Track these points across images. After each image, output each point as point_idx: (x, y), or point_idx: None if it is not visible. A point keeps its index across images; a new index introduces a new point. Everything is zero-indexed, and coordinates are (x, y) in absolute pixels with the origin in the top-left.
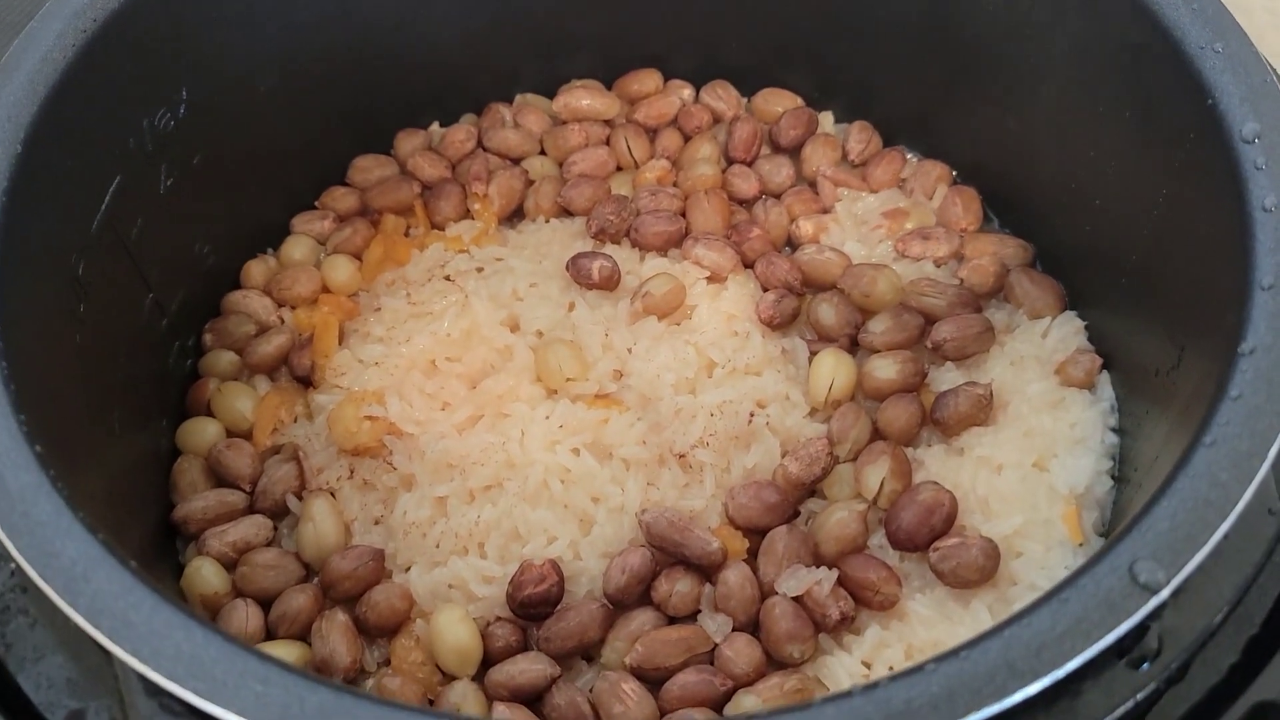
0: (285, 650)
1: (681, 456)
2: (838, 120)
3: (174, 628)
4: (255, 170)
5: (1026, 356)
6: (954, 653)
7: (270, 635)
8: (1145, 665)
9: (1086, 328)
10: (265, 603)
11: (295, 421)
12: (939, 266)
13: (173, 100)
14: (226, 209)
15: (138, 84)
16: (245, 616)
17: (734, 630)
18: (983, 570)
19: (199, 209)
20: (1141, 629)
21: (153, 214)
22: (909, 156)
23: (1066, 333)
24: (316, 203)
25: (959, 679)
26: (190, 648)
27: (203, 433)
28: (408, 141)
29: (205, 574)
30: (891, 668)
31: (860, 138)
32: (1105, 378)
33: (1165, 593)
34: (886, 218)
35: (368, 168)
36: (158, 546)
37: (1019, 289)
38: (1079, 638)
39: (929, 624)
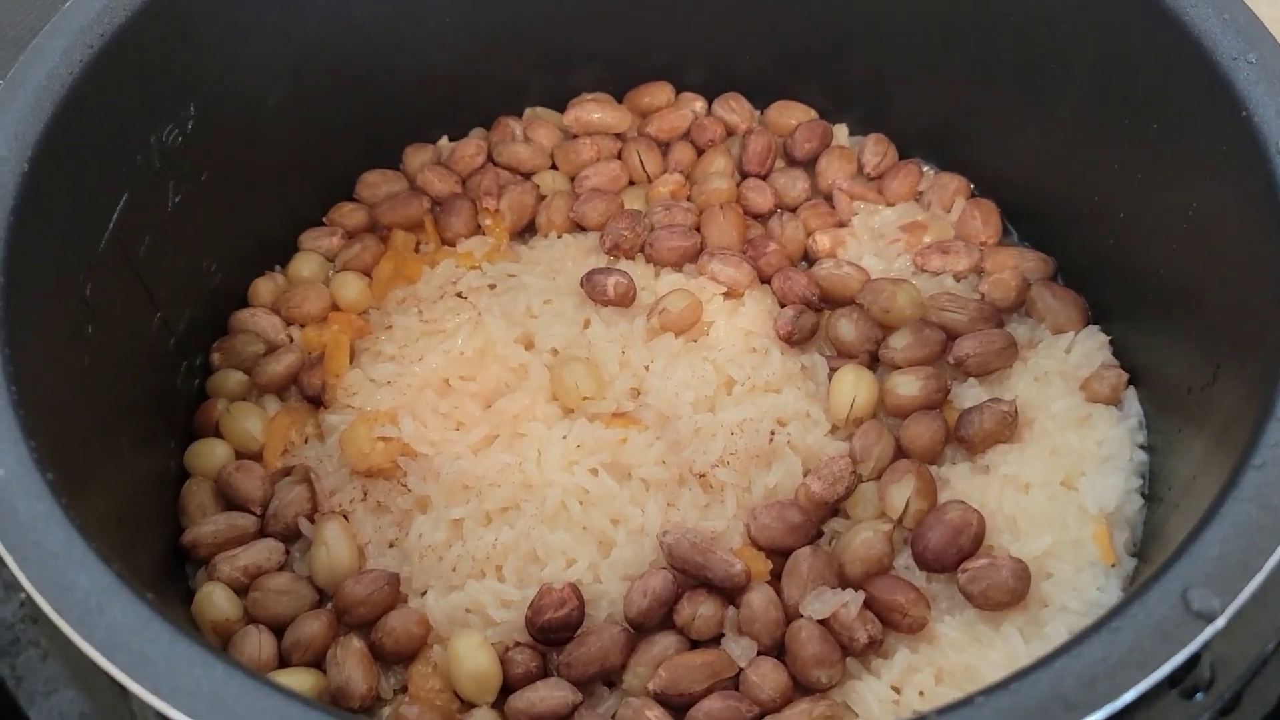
0: (299, 678)
1: (702, 476)
2: (852, 133)
3: (193, 663)
4: (263, 186)
5: (1050, 372)
6: (1002, 685)
7: (284, 662)
8: (1198, 695)
9: (1111, 343)
10: (278, 629)
11: (306, 442)
12: (959, 281)
13: (180, 116)
14: (234, 226)
15: (145, 100)
16: (258, 644)
17: (759, 654)
18: (1013, 592)
19: (206, 226)
20: (1194, 658)
21: (160, 232)
22: (925, 169)
23: (1090, 347)
24: (325, 219)
25: (1010, 713)
26: (210, 684)
27: (211, 454)
28: (416, 156)
29: (216, 600)
30: (921, 693)
31: (876, 150)
32: (1132, 394)
33: (1221, 621)
34: (904, 231)
35: (376, 183)
36: (167, 571)
37: (1041, 303)
38: (1133, 668)
39: (959, 647)
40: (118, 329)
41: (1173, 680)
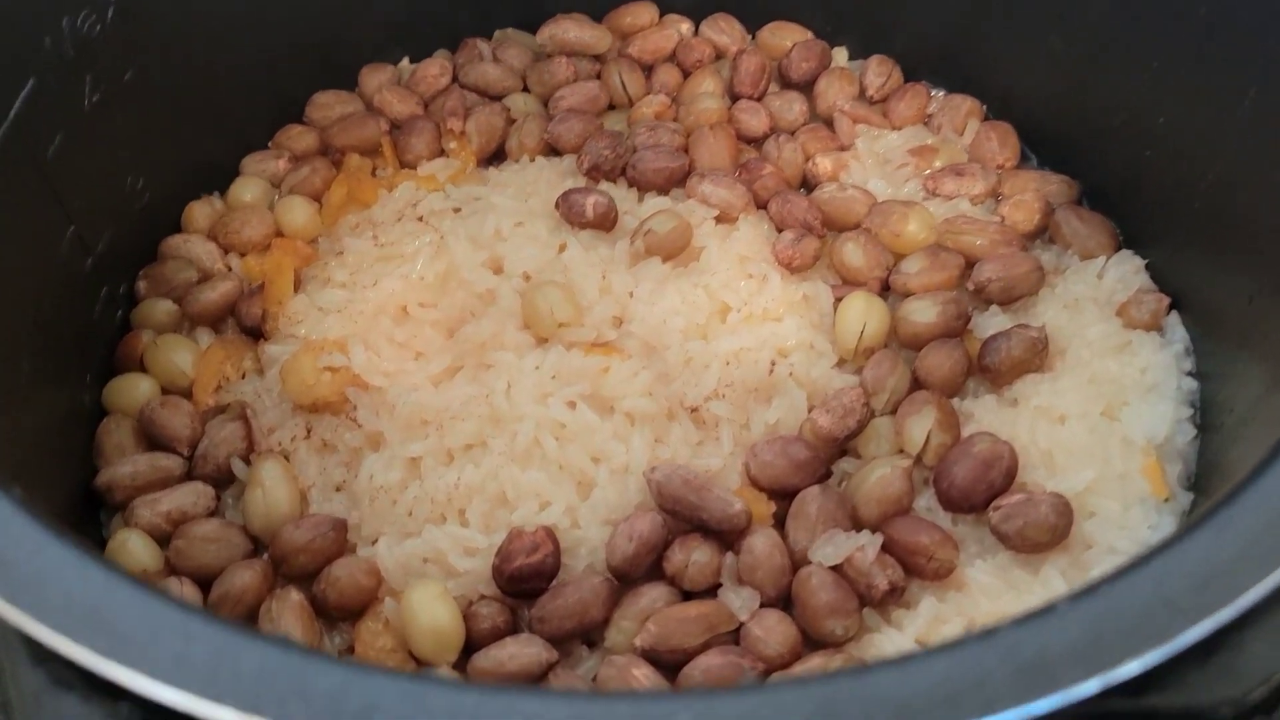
0: None
1: (694, 410)
2: (852, 56)
3: (67, 567)
4: (199, 100)
5: (1082, 298)
6: (1090, 589)
7: None
8: None
9: (1147, 267)
10: (204, 582)
11: (243, 378)
12: (975, 206)
13: (98, 1)
14: (165, 141)
15: None
16: (180, 597)
17: (762, 606)
18: (1054, 530)
19: (132, 136)
20: None
21: (74, 132)
22: (934, 92)
23: (1125, 272)
24: (270, 142)
25: (1105, 620)
26: (88, 593)
27: (134, 390)
28: (374, 76)
29: (133, 548)
30: None
31: (879, 71)
32: (1175, 319)
33: None
34: (913, 155)
35: (328, 104)
36: (76, 517)
37: (1066, 228)
38: (1253, 566)
39: (993, 594)
40: (19, 238)
41: None
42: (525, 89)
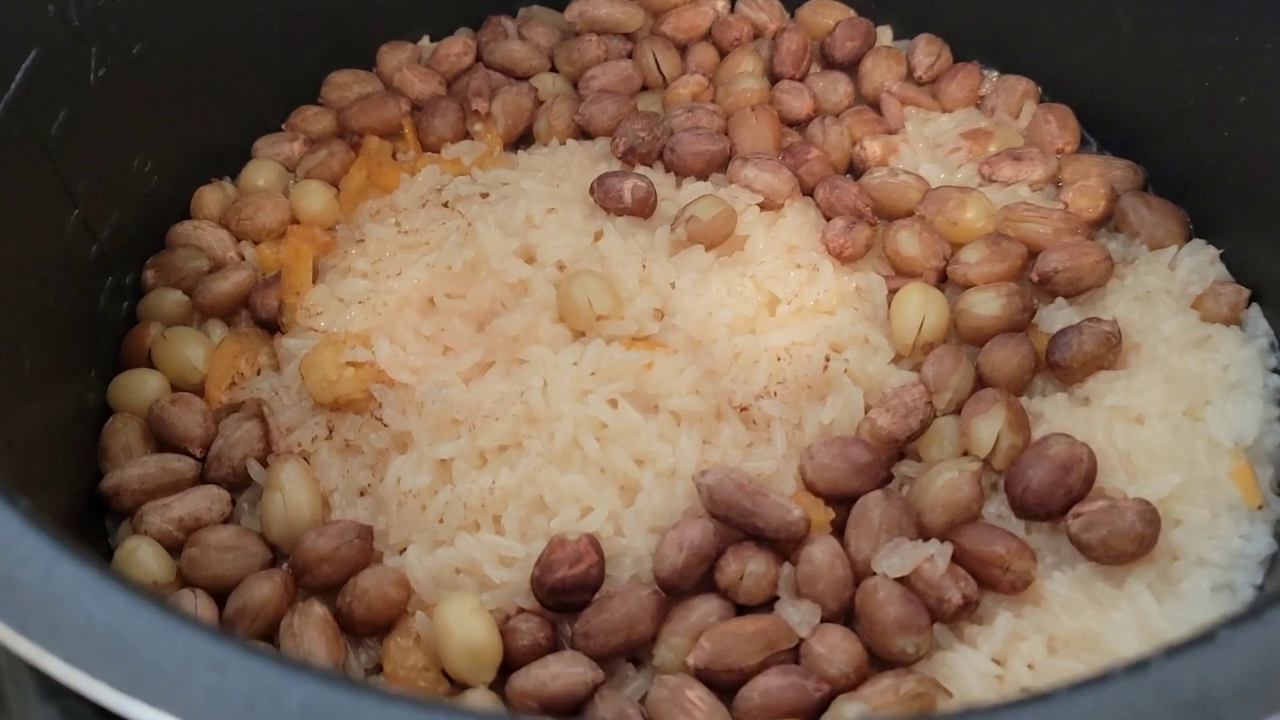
0: None
1: (743, 409)
2: (897, 36)
3: (84, 591)
4: (211, 79)
5: (1155, 290)
6: (1254, 613)
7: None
8: None
9: (1222, 257)
10: (220, 594)
11: (259, 374)
12: (1034, 192)
13: None
14: (175, 121)
15: None
16: (194, 611)
17: (823, 621)
18: (1141, 539)
19: (141, 114)
20: None
21: (80, 109)
22: (985, 73)
23: (1200, 262)
24: (284, 124)
25: (1274, 650)
26: (107, 618)
27: (142, 386)
28: (393, 55)
29: (142, 558)
30: (1031, 666)
31: (929, 50)
32: (1256, 312)
33: None
34: (966, 139)
35: (346, 84)
36: (79, 525)
37: (1134, 215)
38: None
39: (1074, 609)
40: (21, 221)
41: None
42: (553, 69)
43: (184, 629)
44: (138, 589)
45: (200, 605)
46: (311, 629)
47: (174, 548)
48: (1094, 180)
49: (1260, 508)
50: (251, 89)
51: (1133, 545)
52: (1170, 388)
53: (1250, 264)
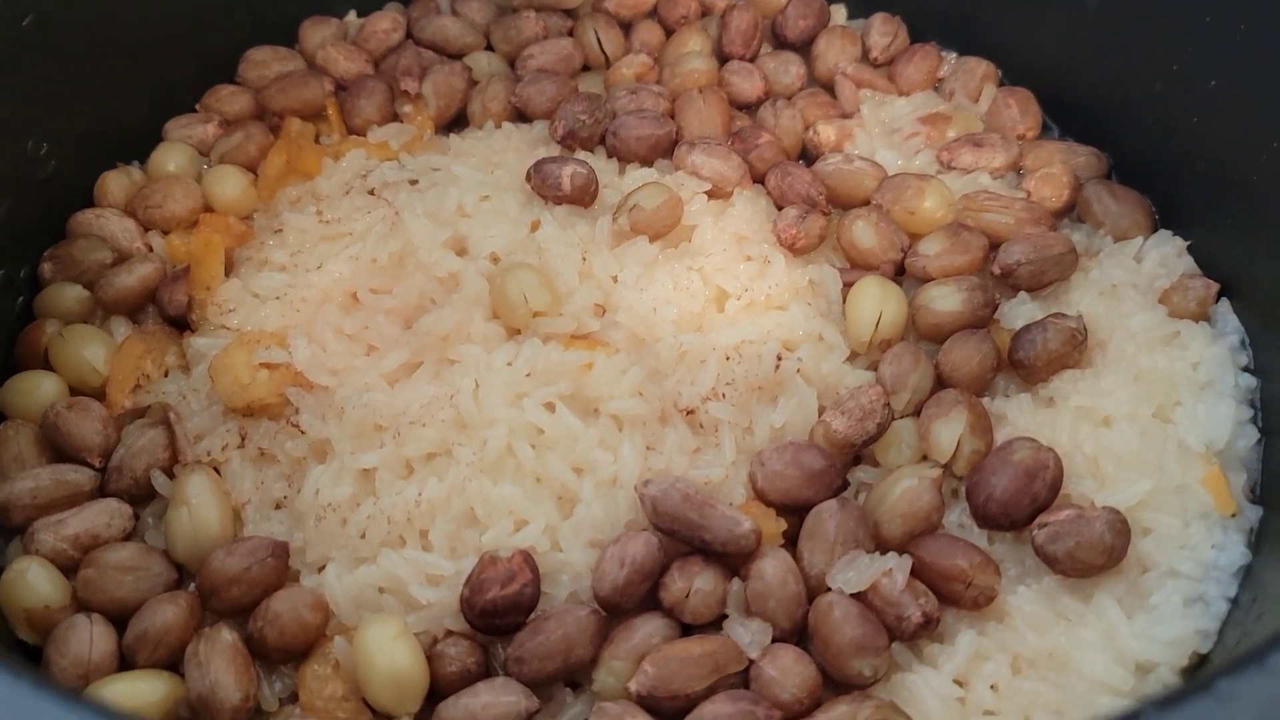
0: (147, 685)
1: (690, 412)
2: (852, 16)
3: None
4: (116, 54)
5: (1121, 284)
6: (1254, 660)
7: (126, 664)
8: None
9: (1190, 249)
10: (119, 618)
11: (166, 375)
12: (995, 180)
13: None
14: (74, 100)
15: None
16: (89, 639)
17: (774, 641)
18: (1110, 551)
19: (33, 93)
20: None
21: None
22: (944, 54)
23: (1167, 254)
24: (198, 104)
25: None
26: None
27: (36, 390)
28: (317, 31)
29: (32, 580)
30: (994, 686)
31: (884, 30)
32: (1225, 307)
33: None
34: (924, 124)
35: (264, 61)
36: None
37: (1098, 205)
38: None
39: (1039, 627)
40: None
41: None
42: (489, 47)
43: (65, 705)
44: (45, 685)
45: (96, 632)
46: (219, 657)
47: (69, 568)
48: (1057, 168)
49: (1234, 516)
50: (161, 66)
51: (1101, 557)
52: (1138, 388)
53: (1219, 256)
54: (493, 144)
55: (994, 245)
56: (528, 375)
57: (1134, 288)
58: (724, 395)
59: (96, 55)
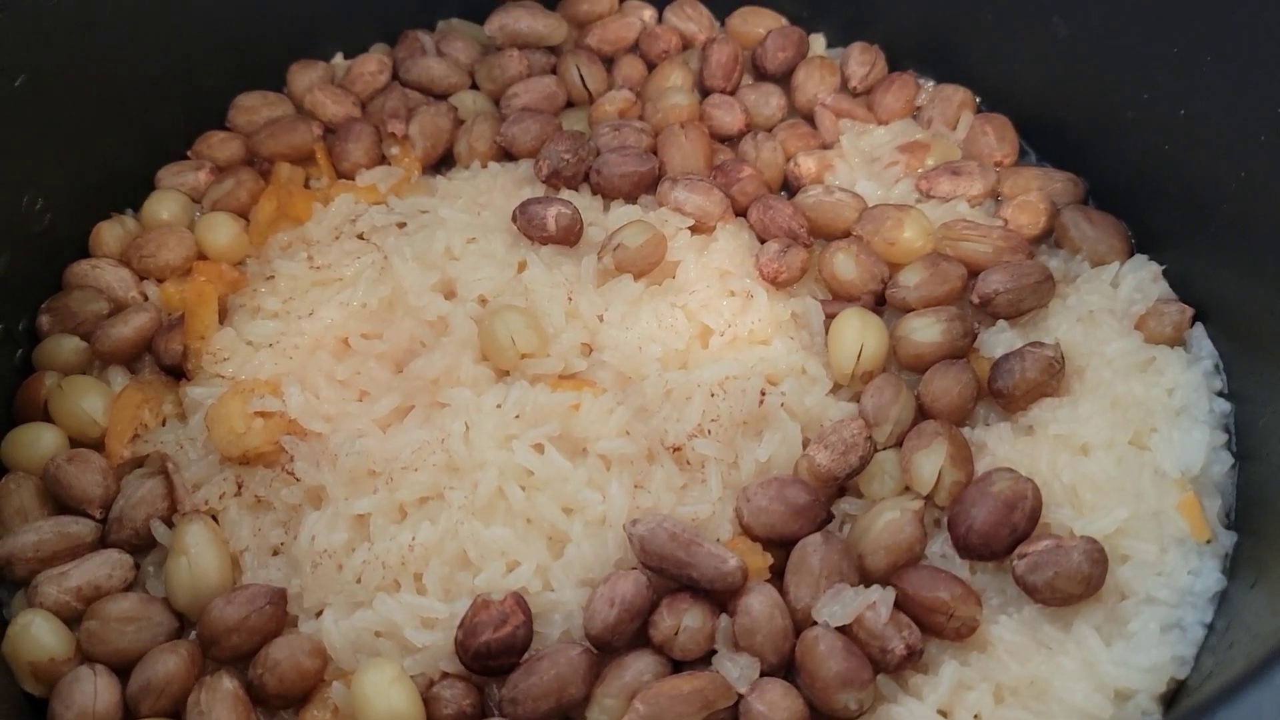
0: None
1: (676, 449)
2: (831, 44)
3: None
4: (107, 106)
5: (1098, 310)
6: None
7: (130, 714)
8: None
9: (1165, 273)
10: (123, 669)
11: (164, 425)
12: (974, 208)
13: None
14: (68, 153)
15: None
16: (93, 690)
17: (763, 675)
18: (1088, 580)
19: (28, 148)
20: None
21: None
22: (922, 82)
23: (1142, 279)
24: (190, 151)
25: None
26: None
27: (36, 443)
28: (304, 75)
29: (37, 633)
30: (977, 716)
31: (863, 60)
32: (1200, 331)
33: None
34: (903, 153)
35: (254, 107)
36: None
37: (1075, 230)
38: None
39: (1021, 656)
40: None
41: None
42: (474, 86)
43: None
44: None
45: (100, 684)
46: (220, 705)
47: (73, 619)
48: (1034, 195)
49: (1209, 542)
50: (152, 114)
51: (1080, 587)
52: (1115, 415)
53: (1193, 280)
54: (479, 184)
55: (973, 273)
56: (517, 417)
57: (1110, 313)
58: (709, 431)
59: (88, 108)
